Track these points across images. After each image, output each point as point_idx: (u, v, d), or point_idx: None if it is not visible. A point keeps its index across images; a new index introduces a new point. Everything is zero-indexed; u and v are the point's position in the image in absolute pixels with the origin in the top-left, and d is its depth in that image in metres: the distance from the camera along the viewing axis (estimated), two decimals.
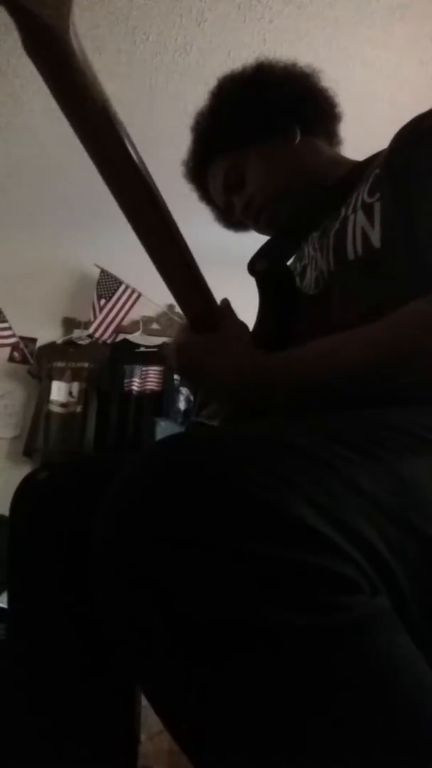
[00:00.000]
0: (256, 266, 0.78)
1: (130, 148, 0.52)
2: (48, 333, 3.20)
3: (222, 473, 0.36)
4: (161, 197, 0.57)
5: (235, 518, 0.34)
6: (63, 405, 2.97)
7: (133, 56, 1.94)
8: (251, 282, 0.81)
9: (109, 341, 3.12)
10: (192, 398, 2.89)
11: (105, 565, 0.37)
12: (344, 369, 0.55)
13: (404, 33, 1.82)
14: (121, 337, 3.14)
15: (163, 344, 3.12)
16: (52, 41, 0.43)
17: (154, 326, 3.29)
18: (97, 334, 3.09)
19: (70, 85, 0.47)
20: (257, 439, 0.41)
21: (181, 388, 2.97)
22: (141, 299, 3.08)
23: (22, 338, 3.11)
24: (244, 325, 0.69)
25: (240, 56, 1.88)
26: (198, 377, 0.70)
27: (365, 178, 0.70)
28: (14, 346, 3.13)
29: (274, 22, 1.79)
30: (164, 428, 2.61)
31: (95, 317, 3.09)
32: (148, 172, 0.55)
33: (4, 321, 3.04)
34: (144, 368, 3.02)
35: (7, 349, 3.13)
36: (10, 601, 0.65)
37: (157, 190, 0.56)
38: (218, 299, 0.71)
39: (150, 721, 0.72)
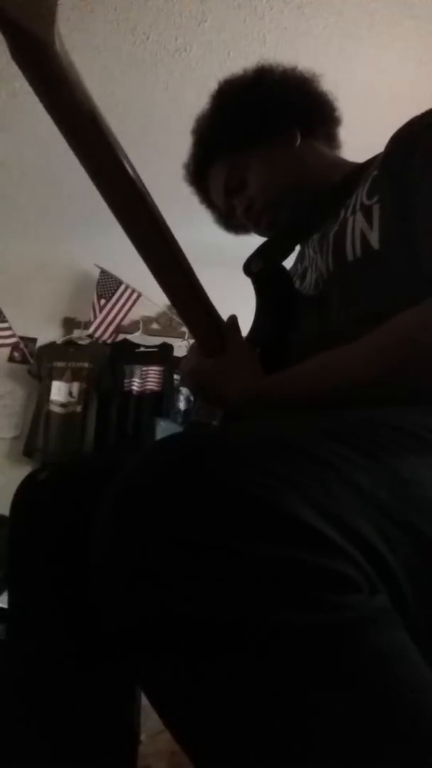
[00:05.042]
0: (251, 267, 0.79)
1: (121, 157, 0.52)
2: (48, 333, 3.21)
3: (220, 472, 0.36)
4: (154, 205, 0.57)
5: (232, 517, 0.34)
6: (63, 405, 2.97)
7: (133, 56, 1.94)
8: (248, 282, 0.81)
9: (109, 341, 3.12)
10: (192, 398, 2.90)
11: (104, 564, 0.37)
12: (347, 383, 0.56)
13: (404, 33, 1.82)
14: (121, 337, 3.14)
15: (163, 344, 3.12)
16: (38, 52, 0.44)
17: (154, 326, 3.30)
18: (97, 334, 3.10)
19: (56, 94, 0.48)
20: (256, 437, 0.41)
21: (181, 388, 2.98)
22: (141, 299, 3.08)
23: (22, 338, 3.12)
24: (248, 347, 0.73)
25: (240, 56, 1.88)
26: (210, 399, 0.74)
27: (364, 179, 0.70)
28: (14, 346, 3.13)
29: (274, 22, 1.79)
30: (164, 428, 2.61)
31: (95, 317, 3.09)
32: (140, 179, 0.55)
33: (4, 321, 3.04)
34: (144, 368, 3.02)
35: (7, 349, 3.13)
36: (9, 601, 0.65)
37: (150, 197, 0.56)
38: (215, 300, 0.71)
39: (150, 721, 0.72)
